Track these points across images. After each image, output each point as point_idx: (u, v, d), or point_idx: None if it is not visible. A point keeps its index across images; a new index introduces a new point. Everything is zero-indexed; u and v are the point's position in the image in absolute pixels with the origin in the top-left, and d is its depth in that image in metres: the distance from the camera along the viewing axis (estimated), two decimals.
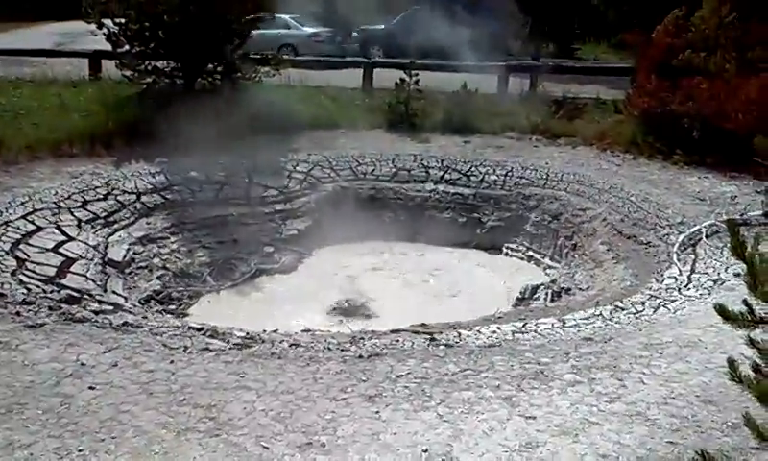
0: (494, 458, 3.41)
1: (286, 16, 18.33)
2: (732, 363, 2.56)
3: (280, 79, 11.19)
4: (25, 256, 6.08)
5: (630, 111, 10.56)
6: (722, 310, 2.52)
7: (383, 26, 20.24)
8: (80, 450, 3.31)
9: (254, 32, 10.89)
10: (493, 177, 9.42)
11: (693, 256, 6.74)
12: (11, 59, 12.65)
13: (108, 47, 10.54)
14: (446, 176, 9.50)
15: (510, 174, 9.42)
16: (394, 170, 9.56)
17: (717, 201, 8.08)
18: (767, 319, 2.47)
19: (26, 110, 9.55)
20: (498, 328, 5.37)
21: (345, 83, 13.32)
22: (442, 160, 9.76)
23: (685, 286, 6.13)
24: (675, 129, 9.53)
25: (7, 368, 4.06)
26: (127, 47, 10.22)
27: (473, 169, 9.57)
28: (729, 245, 2.54)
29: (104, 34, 10.17)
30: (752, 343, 2.56)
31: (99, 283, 6.23)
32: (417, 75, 11.32)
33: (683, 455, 3.39)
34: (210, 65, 10.56)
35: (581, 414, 3.83)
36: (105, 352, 4.36)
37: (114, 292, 6.33)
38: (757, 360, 2.55)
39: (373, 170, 9.54)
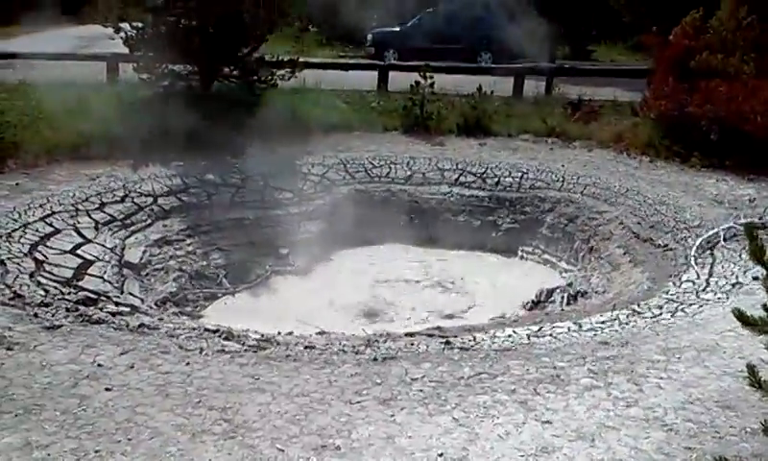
0: None
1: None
2: (751, 368, 2.53)
3: (296, 82, 11.22)
4: (43, 258, 6.14)
5: (647, 114, 10.48)
6: (741, 315, 2.48)
7: (398, 28, 20.23)
8: (96, 451, 3.34)
9: None
10: (509, 179, 9.38)
11: (711, 260, 6.67)
12: (29, 62, 12.78)
13: (126, 51, 10.64)
14: (461, 178, 9.47)
15: (525, 176, 9.38)
16: (409, 173, 9.55)
17: (735, 204, 8.00)
18: None
19: (44, 114, 9.65)
20: (514, 332, 5.35)
21: (360, 85, 13.34)
22: (457, 163, 9.74)
23: (703, 290, 6.07)
24: (692, 131, 9.44)
25: (25, 369, 4.10)
26: (144, 50, 10.31)
27: (488, 172, 9.54)
28: (747, 248, 2.50)
29: (121, 37, 10.27)
30: None
31: (116, 285, 6.28)
32: (432, 77, 11.30)
33: None
34: (227, 69, 10.62)
35: (597, 419, 3.80)
36: (121, 354, 4.40)
37: (131, 294, 6.37)
38: None
39: (388, 173, 9.54)
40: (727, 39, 9.57)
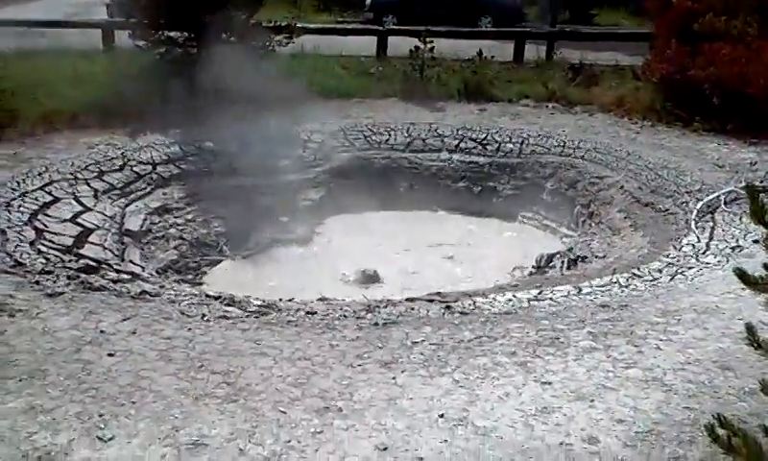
0: (510, 423, 3.43)
1: None
2: (750, 328, 2.53)
3: (293, 47, 11.11)
4: (43, 227, 6.14)
5: (648, 78, 10.39)
6: (741, 274, 2.48)
7: None
8: (101, 415, 3.37)
9: None
10: (509, 145, 9.33)
11: (712, 224, 6.67)
12: (24, 30, 12.64)
13: (121, 19, 10.52)
14: (462, 145, 9.42)
15: (526, 142, 9.33)
16: (408, 139, 9.50)
17: (736, 167, 7.97)
18: None
19: (41, 82, 9.57)
20: (514, 296, 5.37)
21: (358, 51, 13.21)
22: (457, 129, 9.68)
23: (703, 253, 6.08)
24: (694, 95, 9.36)
25: (27, 335, 4.12)
26: (139, 17, 10.18)
27: (489, 138, 9.48)
28: (748, 211, 2.49)
29: (106, 3, 10.14)
30: None
31: (116, 253, 6.29)
32: (431, 42, 11.18)
33: (699, 420, 3.39)
34: (223, 35, 10.49)
35: (597, 380, 3.84)
36: (123, 320, 4.42)
37: (132, 262, 6.39)
38: None
39: (388, 139, 9.49)
40: (730, 1, 9.43)
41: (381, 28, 15.15)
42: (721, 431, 2.39)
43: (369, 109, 10.39)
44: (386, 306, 5.17)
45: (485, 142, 9.43)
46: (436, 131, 9.65)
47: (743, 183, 7.14)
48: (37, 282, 4.93)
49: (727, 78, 8.83)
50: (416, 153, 9.34)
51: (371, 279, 7.15)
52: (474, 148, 9.38)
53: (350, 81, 11.43)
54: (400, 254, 7.81)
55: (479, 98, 10.99)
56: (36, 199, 6.56)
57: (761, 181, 7.25)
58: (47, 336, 4.13)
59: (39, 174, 7.03)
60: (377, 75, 11.92)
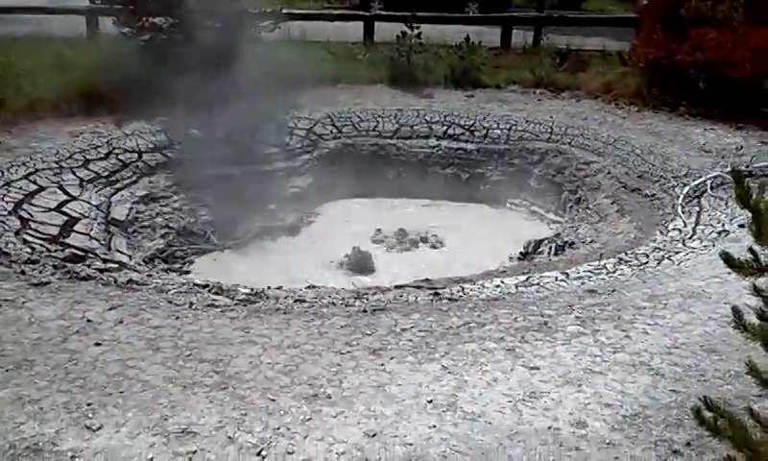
0: (499, 408, 3.45)
1: None
2: (736, 311, 2.55)
3: (280, 34, 11.01)
4: (28, 216, 6.08)
5: (635, 63, 10.41)
6: (727, 258, 2.49)
7: None
8: (88, 404, 3.36)
9: None
10: (497, 131, 9.33)
11: (698, 208, 6.72)
12: (5, 17, 12.44)
13: (105, 5, 10.38)
14: (449, 131, 9.41)
15: (513, 128, 9.33)
16: (396, 126, 9.47)
17: (723, 152, 8.02)
18: None
19: (25, 70, 9.44)
20: (502, 282, 5.39)
21: (345, 37, 13.13)
22: (445, 115, 9.66)
23: (690, 238, 6.12)
24: (681, 80, 9.40)
25: (14, 325, 4.09)
26: (123, 3, 10.05)
27: (477, 124, 9.48)
28: (734, 196, 2.50)
29: None
30: (756, 291, 2.55)
31: (103, 242, 6.25)
32: (418, 28, 11.12)
33: (685, 403, 3.42)
34: (209, 21, 10.38)
35: (584, 364, 3.86)
36: (110, 310, 4.39)
37: (118, 251, 6.35)
38: (763, 307, 2.54)
39: (376, 126, 9.46)
40: None
41: (368, 13, 15.05)
42: (707, 414, 2.42)
43: (356, 96, 10.34)
44: (375, 293, 5.18)
45: (473, 128, 9.42)
46: (424, 117, 9.63)
47: (729, 168, 7.19)
48: (23, 272, 4.88)
49: (713, 63, 8.86)
50: (404, 139, 9.33)
51: (359, 266, 7.14)
52: (462, 134, 9.37)
53: (338, 67, 11.36)
54: (389, 241, 7.81)
55: (467, 84, 10.96)
56: (20, 188, 6.48)
57: (747, 166, 7.30)
58: (33, 326, 4.09)
59: (24, 163, 6.95)
60: (364, 61, 11.85)
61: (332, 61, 11.63)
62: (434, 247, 7.79)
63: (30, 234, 5.77)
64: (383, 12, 15.97)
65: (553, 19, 14.96)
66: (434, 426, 3.29)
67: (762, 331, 2.50)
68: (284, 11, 11.22)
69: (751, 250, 2.52)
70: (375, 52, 12.20)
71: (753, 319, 2.55)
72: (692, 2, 9.42)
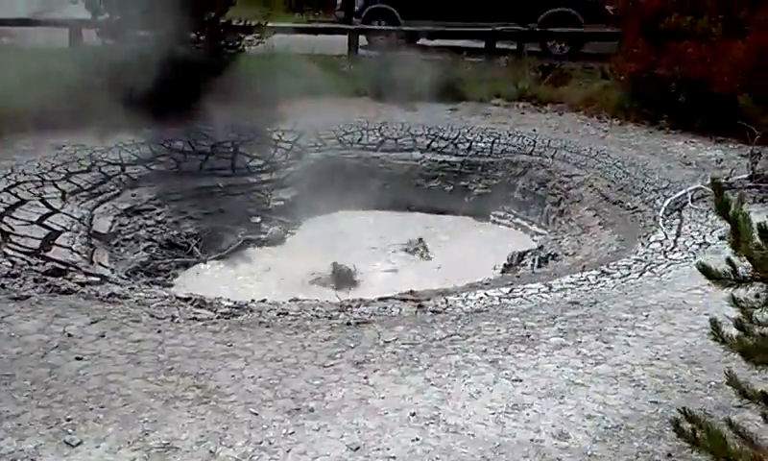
0: (482, 420, 3.45)
1: None
2: (714, 323, 2.58)
3: (264, 47, 11.02)
4: (9, 229, 6.01)
5: (617, 77, 10.53)
6: (705, 269, 2.52)
7: None
8: (68, 419, 3.32)
9: None
10: (481, 144, 9.38)
11: (679, 221, 6.79)
12: None
13: (89, 16, 10.33)
14: (433, 144, 9.45)
15: (497, 141, 9.39)
16: (381, 139, 9.50)
17: (703, 165, 8.11)
18: (750, 278, 2.47)
19: (6, 82, 9.36)
20: (485, 294, 5.40)
21: (330, 50, 13.16)
22: (429, 128, 9.69)
23: (671, 250, 6.18)
24: (661, 94, 9.50)
25: None
26: (107, 15, 10.02)
27: (460, 137, 9.52)
28: (714, 208, 2.53)
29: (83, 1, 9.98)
30: (735, 302, 2.58)
31: (85, 256, 6.19)
32: (403, 41, 11.19)
33: (666, 415, 3.44)
34: (193, 34, 10.38)
35: (567, 376, 3.88)
36: (92, 323, 4.35)
37: (100, 264, 6.29)
38: (741, 318, 2.57)
39: (360, 139, 9.48)
40: (696, 0, 9.60)
41: (351, 26, 15.10)
42: (687, 425, 2.43)
43: (341, 109, 10.35)
44: (358, 306, 5.17)
45: (456, 141, 9.46)
46: (408, 130, 9.65)
47: (709, 181, 7.27)
48: (3, 286, 4.83)
49: (693, 77, 8.98)
50: (388, 152, 9.35)
51: (342, 278, 7.13)
52: (446, 147, 9.41)
53: (322, 80, 11.36)
54: (373, 253, 7.81)
55: (450, 97, 11.01)
56: (1, 201, 6.41)
57: (727, 179, 7.39)
58: (13, 340, 4.05)
59: (5, 176, 6.87)
60: (349, 74, 11.88)
61: (317, 74, 11.64)
62: (418, 259, 7.80)
63: (10, 248, 5.71)
64: (366, 27, 16.00)
65: (536, 34, 15.09)
66: (417, 439, 3.29)
67: (741, 342, 2.53)
68: (269, 24, 11.26)
69: (729, 261, 2.55)
70: (360, 65, 12.24)
71: (732, 330, 2.58)
72: (672, 16, 9.54)
